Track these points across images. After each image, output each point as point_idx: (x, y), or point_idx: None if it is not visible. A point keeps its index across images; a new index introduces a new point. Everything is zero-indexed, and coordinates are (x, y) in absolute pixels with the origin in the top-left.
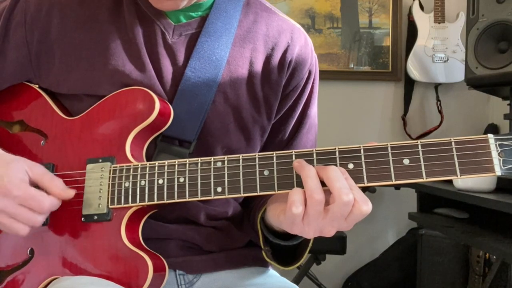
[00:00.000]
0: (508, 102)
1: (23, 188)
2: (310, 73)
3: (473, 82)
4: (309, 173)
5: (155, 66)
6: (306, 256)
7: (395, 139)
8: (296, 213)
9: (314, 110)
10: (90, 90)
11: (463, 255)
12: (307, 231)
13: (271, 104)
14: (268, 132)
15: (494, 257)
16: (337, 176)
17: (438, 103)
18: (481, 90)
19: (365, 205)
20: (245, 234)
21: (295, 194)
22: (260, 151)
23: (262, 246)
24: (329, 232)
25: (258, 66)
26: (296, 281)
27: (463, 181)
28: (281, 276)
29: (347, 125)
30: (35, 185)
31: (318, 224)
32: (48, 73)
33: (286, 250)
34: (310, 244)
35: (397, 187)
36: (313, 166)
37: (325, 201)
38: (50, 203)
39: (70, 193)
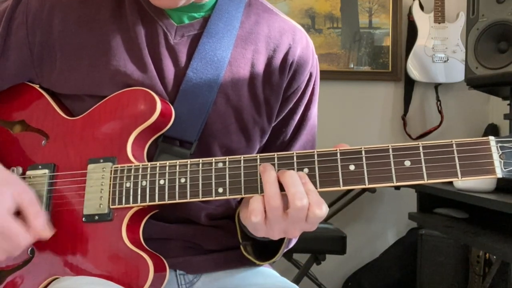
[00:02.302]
0: (508, 102)
1: (5, 221)
2: (311, 75)
3: (473, 82)
4: (268, 178)
5: (157, 66)
6: (283, 250)
7: (395, 139)
8: (256, 222)
9: (314, 111)
10: (91, 90)
11: (463, 255)
12: (271, 233)
13: (271, 105)
14: (268, 134)
15: (494, 257)
16: (293, 182)
17: (438, 103)
18: (481, 90)
19: (318, 209)
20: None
21: (255, 202)
22: (261, 152)
23: (240, 241)
24: (293, 234)
25: (260, 67)
26: (296, 281)
27: (463, 182)
28: (281, 276)
29: (347, 125)
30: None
31: (281, 226)
32: (50, 73)
33: (267, 243)
34: (286, 240)
35: (397, 187)
36: (276, 170)
37: (285, 205)
38: (25, 243)
39: (47, 234)
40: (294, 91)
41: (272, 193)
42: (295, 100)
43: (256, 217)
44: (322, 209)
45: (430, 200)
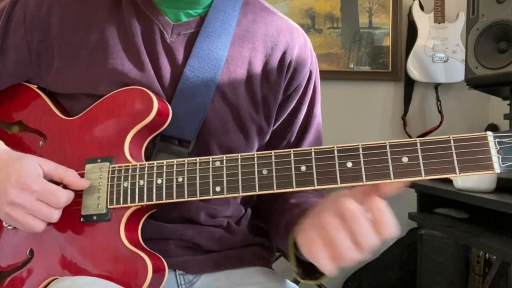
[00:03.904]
0: (508, 102)
1: (41, 182)
2: (311, 73)
3: (473, 82)
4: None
5: (154, 65)
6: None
7: (395, 139)
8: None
9: (318, 109)
10: (88, 89)
11: (463, 255)
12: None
13: (269, 104)
14: (266, 133)
15: (494, 257)
16: (365, 232)
17: (438, 103)
18: (481, 90)
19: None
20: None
21: (324, 261)
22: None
23: (294, 268)
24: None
25: (257, 66)
26: (296, 281)
27: (463, 181)
28: (281, 276)
29: (347, 125)
30: (49, 179)
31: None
32: (47, 72)
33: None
34: None
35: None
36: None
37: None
38: (67, 197)
39: (83, 183)
40: (294, 89)
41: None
42: (297, 99)
43: (330, 272)
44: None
45: (430, 200)
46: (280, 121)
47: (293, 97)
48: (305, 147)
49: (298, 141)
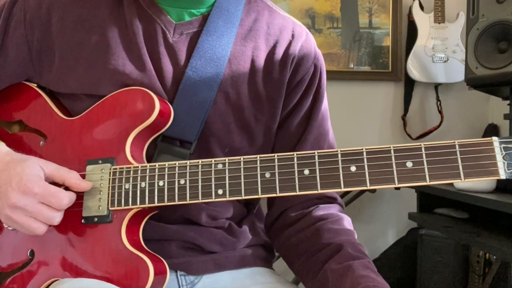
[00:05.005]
0: (508, 102)
1: (43, 185)
2: (315, 67)
3: (473, 82)
4: None
5: (156, 65)
6: None
7: (395, 139)
8: None
9: (324, 104)
10: (90, 89)
11: (463, 255)
12: None
13: (275, 101)
14: (273, 131)
15: (494, 257)
16: None
17: (438, 103)
18: (481, 90)
19: None
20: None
21: None
22: (272, 150)
23: None
24: None
25: (260, 64)
26: (296, 281)
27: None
28: (281, 277)
29: (347, 125)
30: (50, 181)
31: None
32: (48, 72)
33: None
34: None
35: (398, 187)
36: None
37: None
38: (69, 199)
39: (87, 185)
40: (297, 83)
41: None
42: (301, 92)
43: None
44: None
45: (430, 200)
46: (283, 116)
47: (297, 91)
48: (310, 140)
49: (302, 133)
